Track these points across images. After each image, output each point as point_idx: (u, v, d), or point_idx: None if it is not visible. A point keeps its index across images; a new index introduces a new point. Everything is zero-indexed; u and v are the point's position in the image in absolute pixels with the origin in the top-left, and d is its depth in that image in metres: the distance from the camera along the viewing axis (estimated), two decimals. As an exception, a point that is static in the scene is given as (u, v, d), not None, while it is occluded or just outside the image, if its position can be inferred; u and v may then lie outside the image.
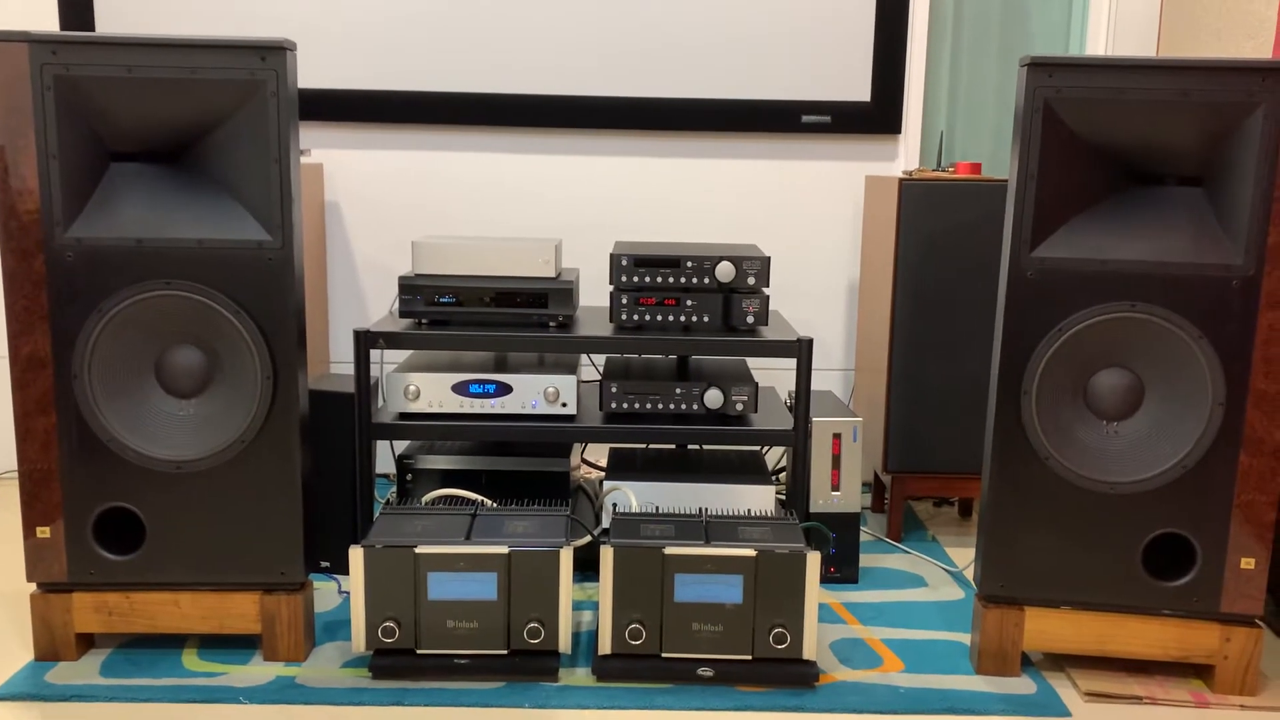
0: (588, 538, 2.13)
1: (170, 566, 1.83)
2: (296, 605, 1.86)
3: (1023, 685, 1.85)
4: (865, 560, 2.40)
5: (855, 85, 2.80)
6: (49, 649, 1.86)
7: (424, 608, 1.80)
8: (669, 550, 1.80)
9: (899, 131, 2.84)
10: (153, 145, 1.76)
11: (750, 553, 1.79)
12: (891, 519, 2.53)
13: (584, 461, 2.80)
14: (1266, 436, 1.74)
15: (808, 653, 1.82)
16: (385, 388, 2.22)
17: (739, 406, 2.20)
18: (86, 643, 1.90)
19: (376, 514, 1.98)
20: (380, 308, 2.93)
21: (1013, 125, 1.75)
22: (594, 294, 2.91)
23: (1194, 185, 1.76)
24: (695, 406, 2.20)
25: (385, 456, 2.90)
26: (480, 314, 2.20)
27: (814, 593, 1.80)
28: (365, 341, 2.15)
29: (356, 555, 1.78)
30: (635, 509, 2.14)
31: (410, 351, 2.47)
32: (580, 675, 1.85)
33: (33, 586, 1.86)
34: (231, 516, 1.82)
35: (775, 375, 2.93)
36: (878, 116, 2.82)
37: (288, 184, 1.75)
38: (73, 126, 1.71)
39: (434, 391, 2.19)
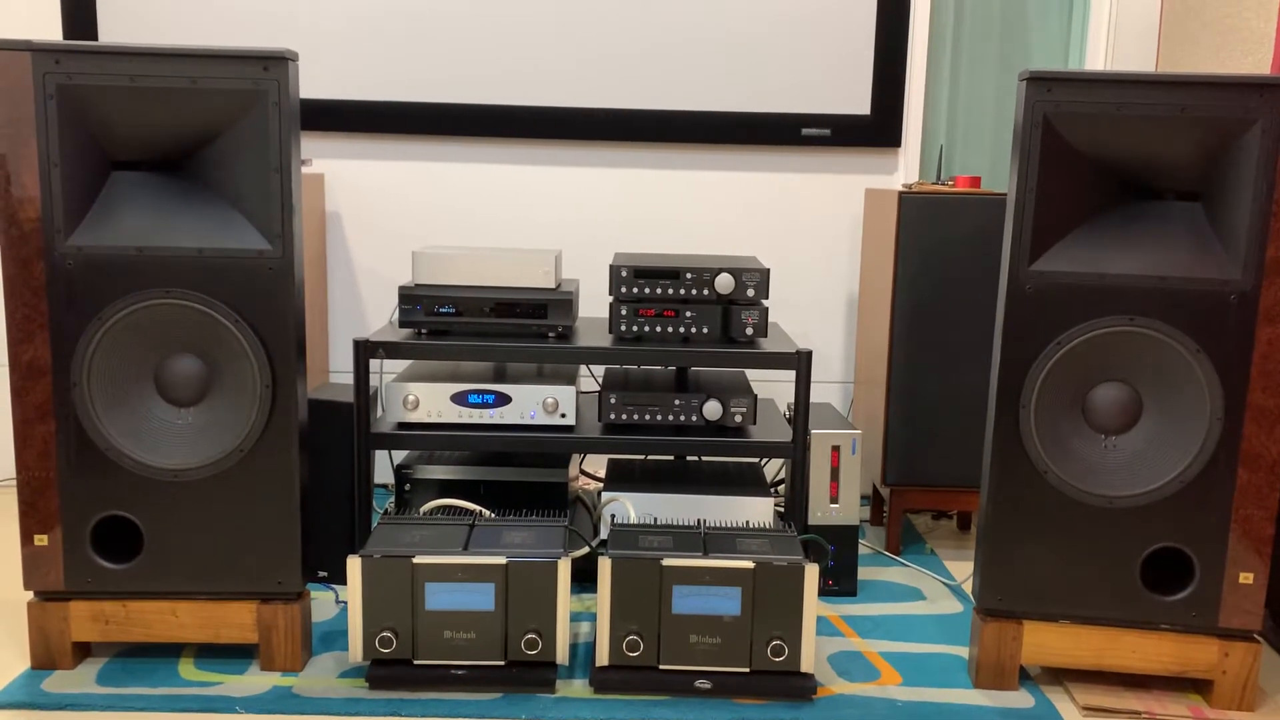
0: (586, 549, 2.13)
1: (168, 575, 1.83)
2: (294, 615, 1.86)
3: (1020, 699, 1.84)
4: (863, 573, 2.40)
5: (855, 98, 2.81)
6: (45, 657, 1.85)
7: (421, 618, 1.80)
8: (667, 562, 1.80)
9: (899, 144, 2.84)
10: (154, 154, 1.77)
11: (748, 565, 1.79)
12: (890, 532, 2.53)
13: (582, 472, 2.79)
14: (1264, 451, 1.74)
15: (805, 665, 1.81)
16: (384, 397, 2.22)
17: (738, 418, 2.20)
18: (83, 651, 1.90)
19: (374, 524, 1.98)
20: (380, 318, 2.93)
21: (1012, 139, 1.76)
22: (593, 305, 2.91)
23: (1192, 200, 1.76)
24: (694, 418, 2.20)
25: (384, 466, 2.89)
26: (480, 324, 2.20)
27: (812, 605, 1.79)
28: (365, 351, 2.15)
29: (354, 565, 1.78)
30: (633, 520, 2.14)
31: (409, 361, 2.47)
32: (578, 687, 1.85)
33: (30, 595, 1.86)
34: (229, 525, 1.82)
35: (774, 387, 2.93)
36: (877, 129, 2.83)
37: (289, 194, 1.75)
38: (75, 135, 1.71)
39: (433, 401, 2.19)
